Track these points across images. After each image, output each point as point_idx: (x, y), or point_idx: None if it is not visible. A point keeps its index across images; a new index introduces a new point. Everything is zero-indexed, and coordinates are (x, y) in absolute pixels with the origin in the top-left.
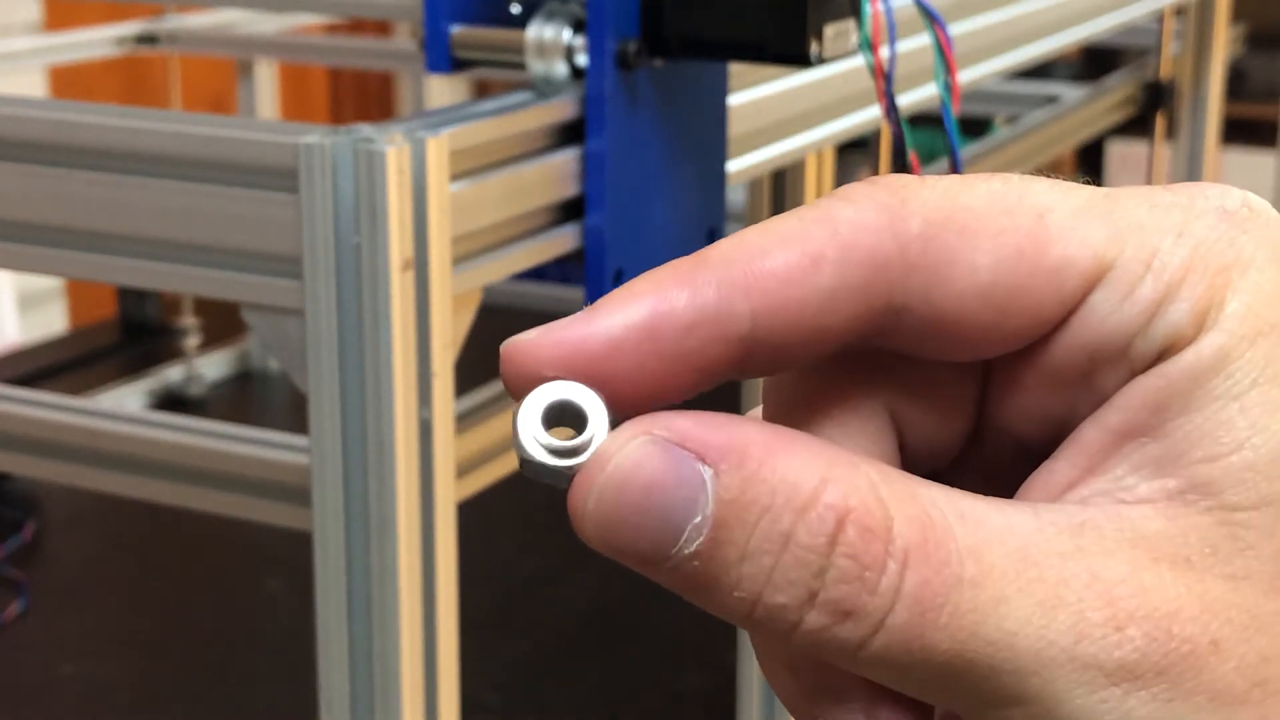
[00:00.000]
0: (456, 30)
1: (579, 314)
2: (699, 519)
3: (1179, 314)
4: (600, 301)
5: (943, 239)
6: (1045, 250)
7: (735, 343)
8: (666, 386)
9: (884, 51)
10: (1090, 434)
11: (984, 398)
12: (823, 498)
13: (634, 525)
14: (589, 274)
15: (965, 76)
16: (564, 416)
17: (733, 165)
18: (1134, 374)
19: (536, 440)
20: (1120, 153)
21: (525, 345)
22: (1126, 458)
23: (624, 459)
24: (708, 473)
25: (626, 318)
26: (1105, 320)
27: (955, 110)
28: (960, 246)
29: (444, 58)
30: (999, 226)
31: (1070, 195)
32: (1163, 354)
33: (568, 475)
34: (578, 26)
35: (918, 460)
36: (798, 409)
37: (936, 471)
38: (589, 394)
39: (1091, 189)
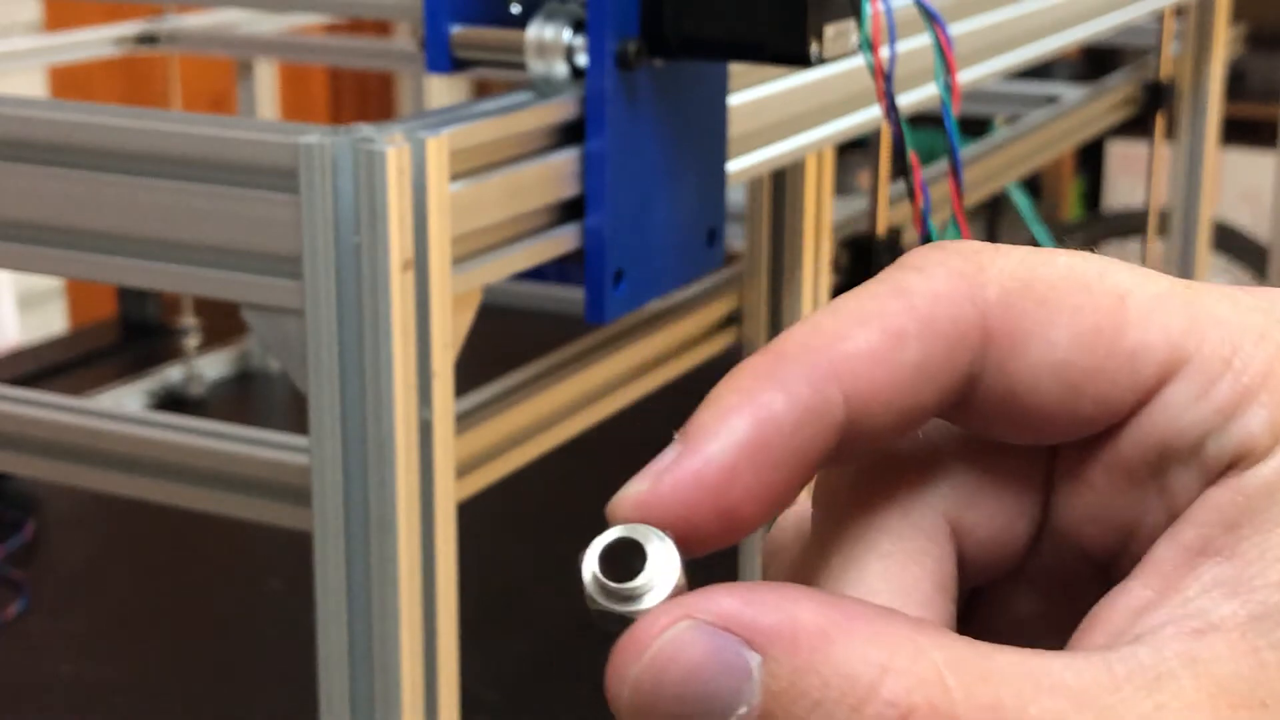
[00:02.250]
0: (456, 30)
1: (676, 448)
2: (744, 710)
3: (1257, 421)
4: (693, 428)
5: (1020, 308)
6: (1123, 333)
7: (834, 432)
8: (781, 496)
9: (884, 51)
10: (1164, 552)
11: (1049, 501)
12: (881, 693)
13: (671, 715)
14: (589, 274)
15: (965, 76)
16: (629, 558)
17: (733, 165)
18: (1206, 477)
19: (597, 581)
20: (1120, 153)
21: (641, 499)
22: (1199, 578)
23: (665, 644)
24: (755, 660)
25: (732, 437)
26: (1180, 415)
27: (955, 110)
28: (1038, 319)
29: (444, 58)
30: (1077, 303)
31: (1150, 280)
32: (1235, 460)
33: (628, 619)
34: (578, 26)
35: (976, 571)
36: (851, 518)
37: (993, 585)
38: (654, 534)
39: (1170, 278)
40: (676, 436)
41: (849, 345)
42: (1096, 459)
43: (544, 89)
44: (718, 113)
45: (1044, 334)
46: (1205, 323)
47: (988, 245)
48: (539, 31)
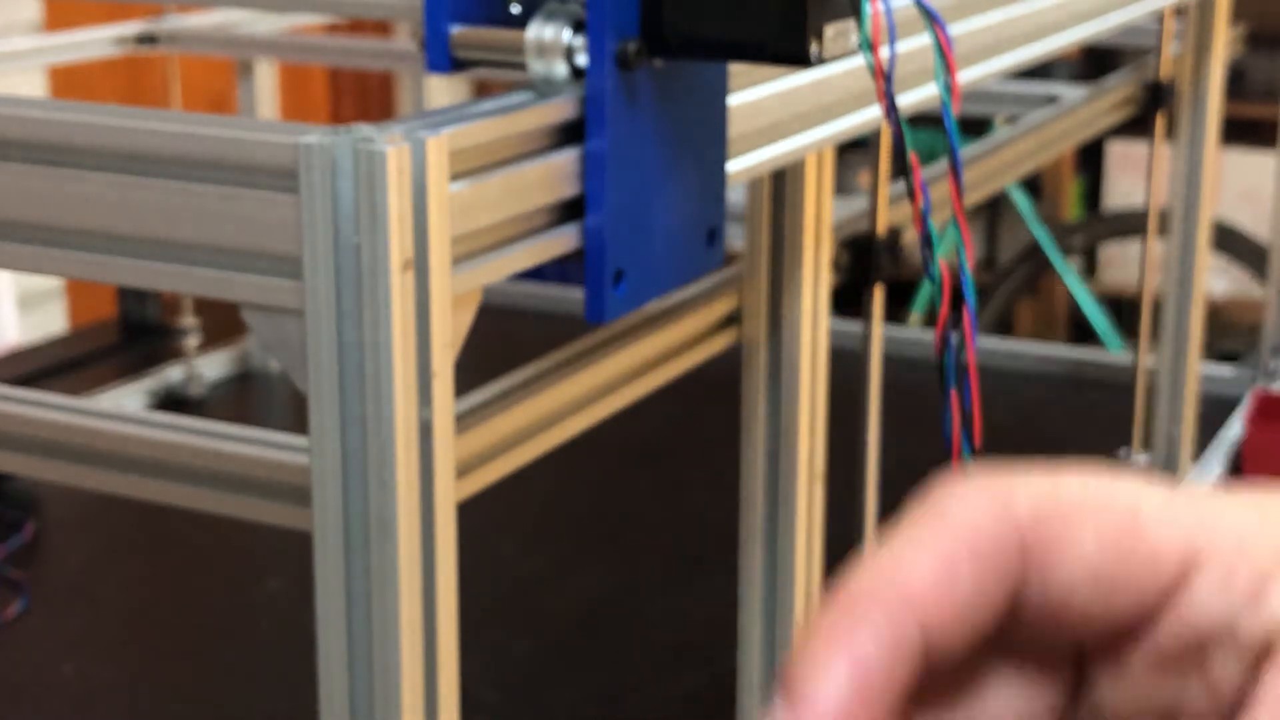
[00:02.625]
0: (456, 30)
1: (784, 701)
2: None
3: None
4: (797, 684)
5: (1051, 524)
6: (1141, 536)
7: (917, 660)
8: None
9: (884, 51)
10: None
11: (1088, 692)
12: None
13: None
14: (589, 274)
15: (965, 76)
16: None
17: (733, 165)
18: (1242, 656)
19: None
20: (1120, 152)
21: None
22: None
23: None
24: None
25: (838, 688)
26: (1209, 603)
27: (955, 111)
28: (1067, 532)
29: (444, 58)
30: (1099, 517)
31: (1154, 490)
32: (1270, 638)
33: None
34: (578, 26)
35: None
36: None
37: None
38: None
39: (1169, 488)
40: (779, 693)
41: (915, 580)
42: (1137, 649)
43: (544, 89)
44: (718, 112)
45: (1074, 545)
46: (1211, 520)
47: (1010, 473)
48: (539, 31)
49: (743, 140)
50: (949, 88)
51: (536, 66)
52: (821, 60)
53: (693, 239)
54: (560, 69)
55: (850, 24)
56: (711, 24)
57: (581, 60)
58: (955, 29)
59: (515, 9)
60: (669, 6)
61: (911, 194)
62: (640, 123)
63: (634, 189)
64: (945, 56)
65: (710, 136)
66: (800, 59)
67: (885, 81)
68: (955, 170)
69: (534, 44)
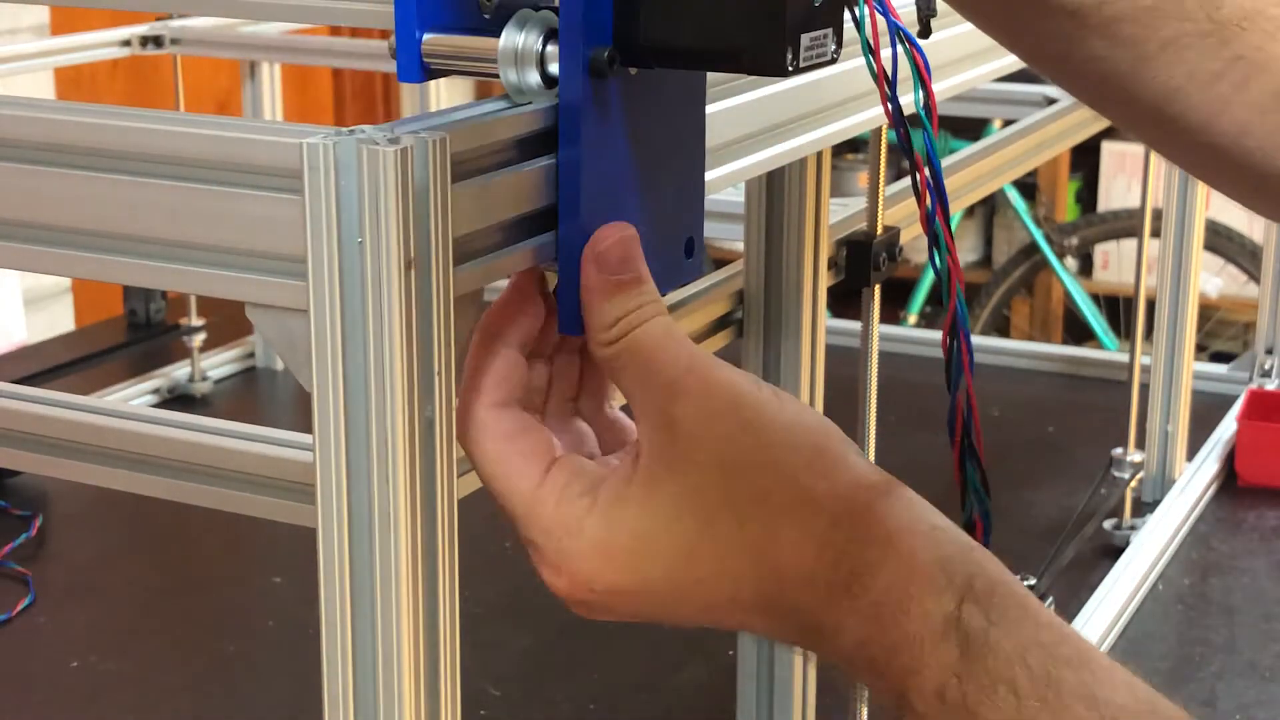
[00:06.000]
0: (427, 38)
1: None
2: None
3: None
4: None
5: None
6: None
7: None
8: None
9: (885, 55)
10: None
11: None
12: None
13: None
14: (562, 285)
15: (964, 78)
16: None
17: (729, 168)
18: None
19: None
20: (1115, 153)
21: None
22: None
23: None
24: None
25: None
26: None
27: (934, 128)
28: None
29: (415, 66)
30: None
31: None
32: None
33: None
34: (551, 34)
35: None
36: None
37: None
38: None
39: None
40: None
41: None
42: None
43: (517, 97)
44: (696, 120)
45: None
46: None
47: None
48: (511, 39)
49: (740, 143)
50: (928, 109)
51: (509, 75)
52: (799, 69)
53: (670, 249)
54: (533, 77)
55: (828, 32)
56: (687, 32)
57: (554, 68)
58: (954, 31)
59: (487, 16)
60: (644, 14)
61: (918, 195)
62: (614, 132)
63: (608, 199)
64: (922, 77)
65: (688, 145)
66: (777, 68)
67: (888, 85)
68: (938, 181)
69: (506, 52)
